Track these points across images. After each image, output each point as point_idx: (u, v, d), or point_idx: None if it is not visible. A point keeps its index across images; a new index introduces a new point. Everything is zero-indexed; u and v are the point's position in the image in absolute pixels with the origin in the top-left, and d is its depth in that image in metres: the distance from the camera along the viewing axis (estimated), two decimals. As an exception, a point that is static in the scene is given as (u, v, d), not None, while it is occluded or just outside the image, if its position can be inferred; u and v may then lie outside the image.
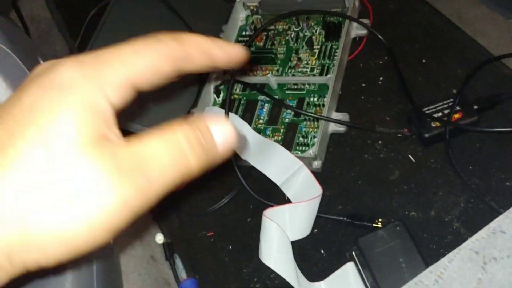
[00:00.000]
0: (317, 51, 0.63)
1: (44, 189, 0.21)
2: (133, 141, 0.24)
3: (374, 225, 0.50)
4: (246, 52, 0.30)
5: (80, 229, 0.22)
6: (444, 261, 0.31)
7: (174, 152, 0.24)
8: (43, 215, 0.21)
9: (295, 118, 0.59)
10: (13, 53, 0.39)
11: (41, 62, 0.55)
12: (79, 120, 0.22)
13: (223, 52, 0.28)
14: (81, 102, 0.23)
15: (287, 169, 0.54)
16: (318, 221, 0.53)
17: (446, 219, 0.49)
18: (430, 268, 0.32)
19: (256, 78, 0.63)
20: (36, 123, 0.22)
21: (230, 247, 0.55)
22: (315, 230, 0.53)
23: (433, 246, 0.48)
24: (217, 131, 0.25)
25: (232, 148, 0.26)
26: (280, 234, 0.49)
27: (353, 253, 0.49)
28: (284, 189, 0.55)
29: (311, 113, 0.57)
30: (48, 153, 0.22)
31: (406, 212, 0.51)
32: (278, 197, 0.55)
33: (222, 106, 0.62)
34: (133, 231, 0.58)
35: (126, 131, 0.66)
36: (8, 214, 0.21)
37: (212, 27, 0.70)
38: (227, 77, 0.63)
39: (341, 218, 0.52)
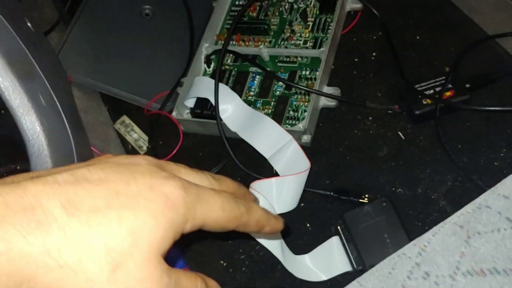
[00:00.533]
0: (311, 23, 0.62)
1: None
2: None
3: (360, 200, 0.50)
4: (284, 225, 0.36)
5: None
6: (428, 234, 0.31)
7: None
8: None
9: (286, 91, 0.58)
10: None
11: (29, 24, 0.54)
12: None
13: (270, 228, 0.34)
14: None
15: (276, 142, 0.54)
16: (305, 195, 0.53)
17: (432, 197, 0.49)
18: (413, 241, 0.32)
19: (248, 49, 0.62)
20: None
21: (216, 218, 0.54)
22: (302, 204, 0.53)
23: (418, 223, 0.48)
24: None
25: None
26: (266, 207, 0.49)
27: (338, 227, 0.49)
28: (272, 162, 0.55)
29: (303, 86, 0.56)
30: None
31: (393, 189, 0.51)
32: (266, 170, 0.55)
33: (212, 76, 0.61)
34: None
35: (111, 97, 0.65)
36: None
37: (205, -5, 0.68)
38: (218, 46, 0.62)
39: (328, 193, 0.52)
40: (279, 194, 0.51)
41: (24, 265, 0.22)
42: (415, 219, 0.48)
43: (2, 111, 0.44)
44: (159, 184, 0.26)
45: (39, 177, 0.25)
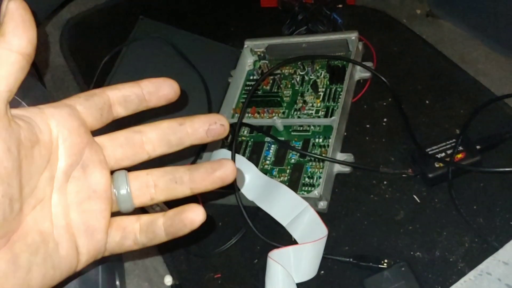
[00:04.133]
0: (322, 93, 0.64)
1: None
2: None
3: (379, 266, 0.50)
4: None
5: None
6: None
7: None
8: None
9: (301, 159, 0.60)
10: (24, 102, 0.41)
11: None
12: None
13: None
14: None
15: (293, 210, 0.55)
16: (325, 262, 0.53)
17: (451, 259, 0.49)
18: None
19: (263, 121, 0.65)
20: None
21: (237, 288, 0.55)
22: (322, 272, 0.53)
23: (438, 287, 0.48)
24: None
25: None
26: (285, 276, 0.50)
27: (359, 294, 0.49)
28: (290, 230, 0.55)
29: (316, 154, 0.58)
30: None
31: (412, 253, 0.51)
32: (285, 237, 0.56)
33: (230, 148, 0.63)
34: (142, 272, 0.59)
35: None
36: None
37: (221, 72, 0.72)
38: (234, 120, 0.65)
39: (347, 259, 0.52)
40: (298, 262, 0.51)
41: None
42: (435, 283, 0.48)
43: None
44: None
45: None
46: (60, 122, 0.27)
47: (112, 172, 0.30)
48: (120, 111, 0.30)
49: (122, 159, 0.30)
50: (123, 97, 0.30)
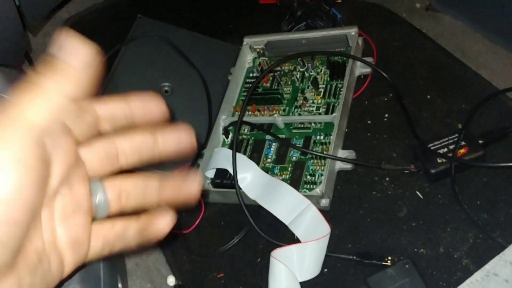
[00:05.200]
0: (322, 90, 0.64)
1: None
2: None
3: (383, 263, 0.50)
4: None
5: None
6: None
7: None
8: None
9: (302, 157, 0.59)
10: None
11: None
12: None
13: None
14: None
15: (295, 208, 0.55)
16: (328, 260, 0.53)
17: (455, 256, 0.49)
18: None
19: (263, 118, 0.64)
20: None
21: (241, 288, 0.55)
22: (325, 270, 0.53)
23: (442, 283, 0.47)
24: None
25: None
26: (288, 275, 0.49)
27: (363, 292, 0.49)
28: (292, 228, 0.55)
29: (318, 152, 0.58)
30: None
31: (415, 249, 0.51)
32: (287, 236, 0.56)
33: (231, 146, 0.63)
34: (144, 274, 0.59)
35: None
36: None
37: (221, 70, 0.72)
38: (235, 118, 0.65)
39: (351, 257, 0.52)
40: (301, 261, 0.51)
41: None
42: (439, 280, 0.48)
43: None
44: None
45: None
46: (55, 142, 0.26)
47: None
48: (106, 127, 0.30)
49: (100, 171, 0.30)
50: (111, 115, 0.30)
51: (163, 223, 0.30)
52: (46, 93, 0.24)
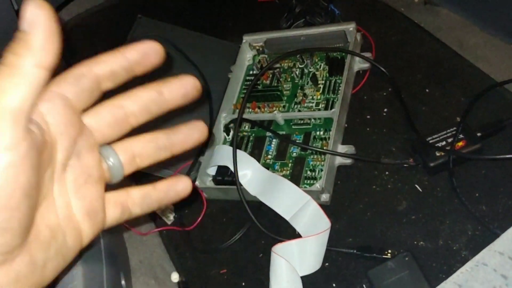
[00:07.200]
0: (321, 86, 0.64)
1: None
2: None
3: (383, 256, 0.51)
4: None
5: None
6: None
7: None
8: None
9: (302, 152, 0.60)
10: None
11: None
12: None
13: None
14: None
15: (296, 203, 0.55)
16: (329, 254, 0.53)
17: (454, 248, 0.49)
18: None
19: (263, 115, 0.65)
20: None
21: (243, 283, 0.55)
22: (326, 264, 0.53)
23: (442, 275, 0.48)
24: None
25: None
26: (289, 270, 0.50)
27: (364, 286, 0.49)
28: (293, 223, 0.56)
29: (317, 147, 0.58)
30: None
31: (415, 242, 0.51)
32: (288, 231, 0.56)
33: (232, 144, 0.63)
34: (148, 270, 0.59)
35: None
36: None
37: (221, 68, 0.72)
38: (235, 115, 0.65)
39: (351, 251, 0.52)
40: (302, 256, 0.52)
41: None
42: (439, 272, 0.48)
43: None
44: None
45: None
46: (56, 117, 0.26)
47: None
48: (108, 85, 0.30)
49: (109, 136, 0.30)
50: (110, 71, 0.29)
51: (182, 186, 0.33)
52: (18, 70, 0.23)
